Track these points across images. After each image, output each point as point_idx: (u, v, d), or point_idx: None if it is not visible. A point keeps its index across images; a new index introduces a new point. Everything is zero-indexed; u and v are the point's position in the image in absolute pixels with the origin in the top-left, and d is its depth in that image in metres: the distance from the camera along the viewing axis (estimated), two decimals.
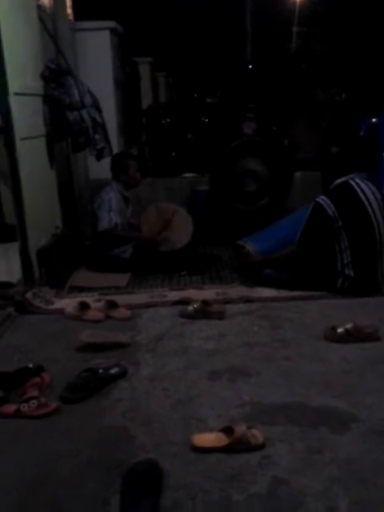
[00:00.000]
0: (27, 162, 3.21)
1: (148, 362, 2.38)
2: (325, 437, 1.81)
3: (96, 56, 4.52)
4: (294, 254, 3.27)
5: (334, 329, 2.53)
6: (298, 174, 4.65)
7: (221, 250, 4.05)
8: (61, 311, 2.94)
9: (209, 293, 3.22)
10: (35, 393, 2.04)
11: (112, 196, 3.74)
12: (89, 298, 3.08)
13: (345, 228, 3.10)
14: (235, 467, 1.67)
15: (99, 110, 3.96)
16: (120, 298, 3.06)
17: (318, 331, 2.59)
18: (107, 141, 4.03)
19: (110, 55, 4.68)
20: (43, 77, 3.60)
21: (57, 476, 1.66)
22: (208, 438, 1.77)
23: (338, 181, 3.23)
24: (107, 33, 4.64)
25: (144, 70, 7.05)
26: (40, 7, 3.72)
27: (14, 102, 3.03)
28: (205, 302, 2.88)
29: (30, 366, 2.25)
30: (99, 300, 3.02)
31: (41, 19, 3.66)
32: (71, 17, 4.51)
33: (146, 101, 7.04)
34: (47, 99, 3.63)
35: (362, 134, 4.98)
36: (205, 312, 2.85)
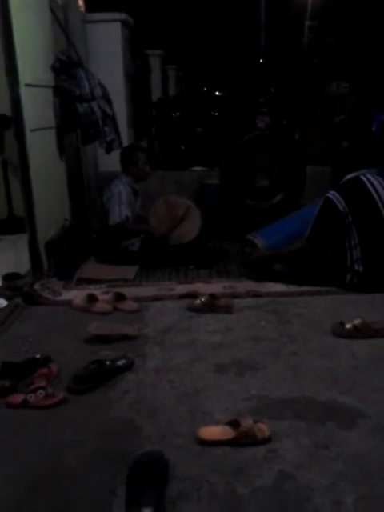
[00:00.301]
0: (37, 153, 3.22)
1: (155, 355, 2.38)
2: (332, 432, 1.81)
3: (107, 48, 4.50)
4: (303, 249, 3.25)
5: (343, 324, 2.52)
6: (308, 169, 4.61)
7: (229, 244, 4.04)
8: (69, 303, 2.95)
9: (216, 287, 3.22)
10: (42, 383, 2.05)
11: (122, 189, 3.74)
12: (97, 290, 3.09)
13: (355, 224, 3.08)
14: (241, 460, 1.67)
15: (109, 102, 3.95)
16: (128, 291, 3.07)
17: (326, 326, 2.58)
18: (117, 133, 4.03)
19: (120, 47, 4.66)
20: (54, 68, 3.60)
21: (63, 466, 1.67)
22: (214, 431, 1.77)
23: (349, 176, 3.20)
24: (118, 25, 4.62)
25: (154, 63, 7.03)
26: None
27: (24, 93, 3.03)
28: (212, 296, 2.88)
29: (38, 356, 2.26)
30: (107, 292, 3.03)
31: (52, 11, 3.66)
32: (82, 8, 4.50)
33: (156, 94, 7.02)
34: (58, 91, 3.63)
35: (374, 129, 4.94)
36: (212, 306, 2.84)
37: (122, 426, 1.86)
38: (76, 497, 1.54)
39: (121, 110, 4.47)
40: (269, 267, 3.30)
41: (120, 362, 2.24)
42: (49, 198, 3.45)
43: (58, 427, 1.87)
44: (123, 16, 4.71)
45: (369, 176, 3.16)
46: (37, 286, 3.10)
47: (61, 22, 3.80)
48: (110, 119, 3.93)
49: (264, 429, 1.78)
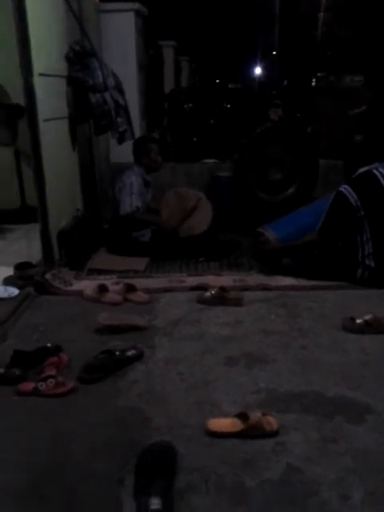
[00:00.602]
0: (50, 143, 3.22)
1: (164, 346, 2.39)
2: (340, 427, 1.81)
3: (120, 38, 4.48)
4: (313, 242, 3.23)
5: (353, 319, 2.51)
6: (320, 163, 4.57)
7: (240, 237, 4.03)
8: (80, 293, 2.96)
9: (226, 279, 3.21)
10: (53, 372, 2.07)
11: (134, 180, 3.74)
12: (107, 281, 3.10)
13: (367, 218, 3.05)
14: (249, 453, 1.68)
15: (122, 92, 3.94)
16: (138, 282, 3.07)
17: (336, 321, 2.57)
18: (129, 124, 4.01)
19: (134, 37, 4.64)
20: (68, 58, 3.59)
21: (72, 454, 1.69)
22: (223, 423, 1.78)
23: (361, 170, 3.17)
24: (132, 14, 4.59)
25: (167, 54, 6.99)
26: None
27: (38, 82, 3.02)
28: (222, 289, 2.88)
29: (49, 345, 2.28)
30: (118, 283, 3.04)
31: (66, 0, 3.64)
32: None
33: (169, 85, 6.99)
34: (71, 81, 3.62)
35: None
36: (222, 298, 2.84)
37: (131, 416, 1.88)
38: (84, 485, 1.56)
39: (133, 100, 4.45)
40: (279, 260, 3.29)
41: (130, 353, 2.25)
42: (61, 188, 3.46)
43: (67, 416, 1.89)
44: (137, 6, 4.68)
45: (381, 170, 3.13)
46: (48, 276, 3.12)
47: (75, 11, 3.78)
48: (123, 110, 3.92)
49: (272, 422, 1.78)
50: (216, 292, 2.86)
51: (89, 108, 3.67)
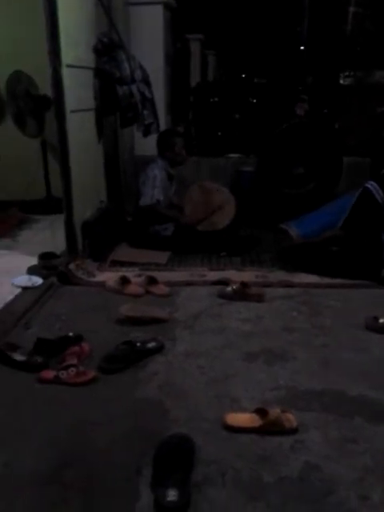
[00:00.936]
0: (76, 134, 3.24)
1: (185, 339, 2.40)
2: (360, 426, 1.79)
3: (148, 30, 4.46)
4: (336, 237, 3.19)
5: (376, 319, 2.47)
6: (346, 160, 4.51)
7: (263, 232, 4.00)
8: (102, 284, 2.98)
9: (248, 275, 3.20)
10: (74, 361, 2.10)
11: (157, 173, 3.74)
12: (130, 273, 3.12)
13: None
14: (267, 449, 1.67)
15: (149, 85, 3.94)
16: (160, 275, 3.09)
17: (359, 320, 2.54)
18: (155, 117, 4.02)
19: (162, 30, 4.62)
20: (96, 50, 3.61)
21: (91, 443, 1.71)
22: (241, 418, 1.78)
23: None
24: (160, 7, 4.57)
25: (194, 48, 6.95)
26: None
27: (66, 73, 3.05)
28: (244, 284, 2.87)
29: (71, 334, 2.31)
30: (140, 275, 3.06)
31: None
32: None
33: (195, 79, 6.95)
34: (98, 73, 3.64)
35: None
36: (243, 294, 2.84)
37: (150, 407, 1.89)
38: (103, 473, 1.57)
39: (159, 94, 4.44)
40: (302, 257, 3.26)
41: (150, 345, 2.26)
42: (86, 179, 3.49)
43: (87, 404, 1.91)
44: None
45: None
46: (72, 266, 3.15)
47: (104, 3, 3.80)
48: (149, 102, 3.92)
49: (292, 419, 1.77)
50: (237, 287, 2.85)
51: (115, 100, 3.68)
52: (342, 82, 5.63)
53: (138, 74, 3.76)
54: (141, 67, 3.86)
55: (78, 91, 3.32)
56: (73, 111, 3.18)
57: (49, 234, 3.79)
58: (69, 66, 3.09)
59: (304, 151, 4.38)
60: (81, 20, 3.38)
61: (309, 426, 1.78)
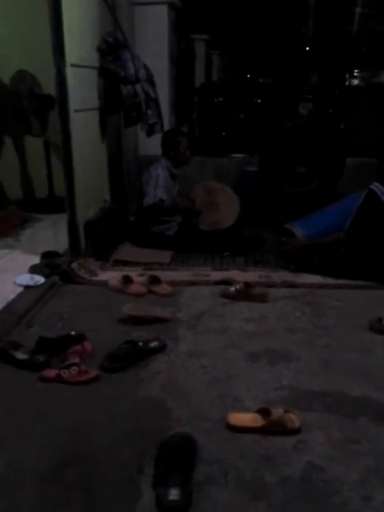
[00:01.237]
0: (79, 134, 3.24)
1: (187, 339, 2.39)
2: (363, 427, 1.78)
3: (153, 30, 4.46)
4: (341, 240, 3.18)
5: (380, 320, 2.46)
6: (351, 160, 4.50)
7: (266, 233, 3.99)
8: (104, 283, 2.98)
9: (252, 275, 3.19)
10: (76, 360, 2.09)
11: (160, 172, 3.74)
12: (132, 272, 3.11)
13: None
14: (270, 449, 1.66)
15: (153, 84, 3.94)
16: (163, 274, 3.08)
17: (362, 321, 2.53)
18: (160, 116, 4.01)
19: (166, 30, 4.61)
20: (100, 50, 3.60)
21: (93, 441, 1.70)
22: (244, 418, 1.77)
23: None
24: (165, 7, 4.57)
25: (199, 48, 6.94)
26: None
27: (70, 73, 3.04)
28: (247, 284, 2.86)
29: (73, 333, 2.30)
30: (142, 275, 3.04)
31: None
32: None
33: (200, 79, 6.95)
34: (102, 72, 3.63)
35: None
36: (247, 294, 2.82)
37: (152, 407, 1.88)
38: (104, 472, 1.57)
39: (164, 93, 4.44)
40: (306, 258, 3.25)
41: (153, 344, 2.26)
42: (89, 178, 3.48)
43: (89, 404, 1.91)
44: None
45: None
46: (74, 265, 3.14)
47: (108, 2, 3.79)
48: (153, 102, 3.92)
49: (294, 419, 1.76)
50: (241, 287, 2.84)
51: (119, 100, 3.68)
52: (347, 82, 5.62)
53: (142, 74, 3.76)
54: (145, 67, 3.86)
55: (82, 90, 3.32)
56: (76, 111, 3.17)
57: (51, 233, 3.79)
58: (73, 65, 3.08)
59: (306, 150, 4.37)
60: (85, 19, 3.37)
61: (312, 427, 1.77)
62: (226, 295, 2.85)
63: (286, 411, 1.77)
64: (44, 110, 4.33)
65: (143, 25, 4.43)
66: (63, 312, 2.65)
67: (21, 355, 2.16)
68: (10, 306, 2.66)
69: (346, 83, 5.68)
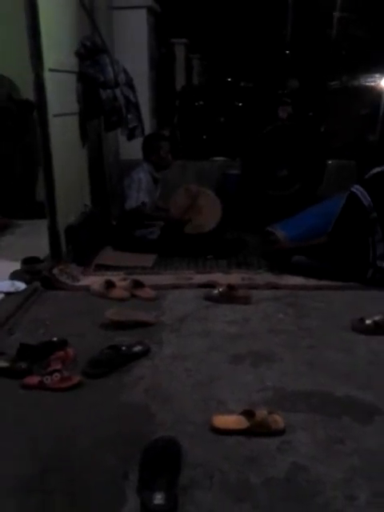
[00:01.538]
0: (59, 139, 3.22)
1: (171, 342, 2.38)
2: (347, 427, 1.78)
3: (132, 35, 4.46)
4: (323, 244, 3.20)
5: (362, 320, 2.48)
6: (332, 163, 4.55)
7: (249, 235, 4.00)
8: (87, 288, 2.96)
9: (235, 277, 3.20)
10: (58, 366, 2.07)
11: (142, 176, 3.73)
12: (115, 277, 3.09)
13: (380, 219, 3.02)
14: (254, 450, 1.66)
15: (133, 89, 3.93)
16: (146, 278, 3.06)
17: (345, 322, 2.54)
18: (140, 120, 4.01)
19: (146, 34, 4.62)
20: (79, 54, 3.58)
21: (76, 448, 1.68)
22: (228, 420, 1.76)
23: (375, 170, 3.14)
24: (144, 11, 4.58)
25: (179, 52, 6.97)
26: None
27: (48, 77, 3.02)
28: (230, 287, 2.86)
29: (55, 339, 2.28)
30: (125, 279, 3.03)
31: None
32: None
33: (180, 83, 6.97)
34: (81, 77, 3.61)
35: None
36: (230, 296, 2.83)
37: (136, 412, 1.86)
38: (88, 478, 1.55)
39: (144, 98, 4.44)
40: (288, 259, 3.27)
41: (136, 348, 2.24)
42: (70, 183, 3.46)
43: (72, 410, 1.89)
44: (149, 2, 4.66)
45: None
46: (55, 271, 3.11)
47: (86, 6, 3.78)
48: (134, 106, 3.91)
49: (279, 420, 1.76)
50: (224, 290, 2.84)
51: (99, 104, 3.66)
52: (326, 86, 5.68)
53: (121, 78, 3.75)
54: (124, 71, 3.85)
55: (61, 95, 3.30)
56: (56, 115, 3.15)
57: (32, 239, 3.74)
58: (51, 69, 3.06)
59: (287, 153, 4.42)
60: (63, 23, 3.36)
61: (296, 427, 1.77)
62: (209, 298, 2.85)
63: (270, 412, 1.77)
64: (23, 115, 4.30)
65: (122, 29, 4.43)
66: (45, 318, 2.62)
67: (2, 363, 2.12)
68: None
69: (325, 86, 5.74)
